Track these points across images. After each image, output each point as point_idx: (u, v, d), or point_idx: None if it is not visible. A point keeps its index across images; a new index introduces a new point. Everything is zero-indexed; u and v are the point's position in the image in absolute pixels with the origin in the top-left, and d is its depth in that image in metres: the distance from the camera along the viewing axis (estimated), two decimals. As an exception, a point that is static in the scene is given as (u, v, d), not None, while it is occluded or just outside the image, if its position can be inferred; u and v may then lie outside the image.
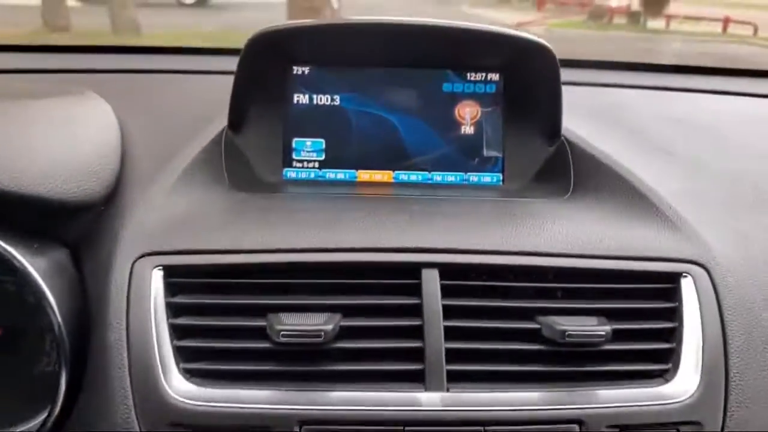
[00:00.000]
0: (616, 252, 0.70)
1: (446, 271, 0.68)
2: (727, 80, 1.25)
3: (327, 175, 0.94)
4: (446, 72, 0.95)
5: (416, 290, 0.67)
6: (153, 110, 0.94)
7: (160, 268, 0.67)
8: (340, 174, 0.94)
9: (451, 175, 0.95)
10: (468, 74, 0.96)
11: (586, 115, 1.01)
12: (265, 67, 0.91)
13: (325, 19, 0.94)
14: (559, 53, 0.87)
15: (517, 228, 0.72)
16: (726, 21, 8.38)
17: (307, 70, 0.95)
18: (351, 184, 0.94)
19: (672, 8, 8.91)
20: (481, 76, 0.96)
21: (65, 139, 0.74)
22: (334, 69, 0.95)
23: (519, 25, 8.41)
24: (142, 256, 0.67)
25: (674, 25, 8.74)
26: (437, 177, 0.95)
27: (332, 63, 0.95)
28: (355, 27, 0.87)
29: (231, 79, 0.87)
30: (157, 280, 0.66)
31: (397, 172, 0.95)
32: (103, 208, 0.74)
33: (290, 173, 0.94)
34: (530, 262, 0.69)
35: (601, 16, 9.00)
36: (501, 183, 0.95)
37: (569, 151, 0.90)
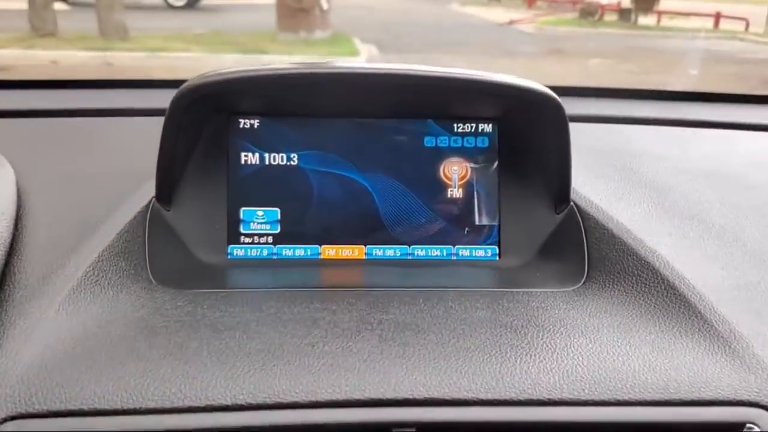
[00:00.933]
0: (658, 394, 0.52)
1: (424, 430, 0.49)
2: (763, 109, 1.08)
3: (283, 252, 0.76)
4: (428, 123, 0.77)
5: None
6: (66, 176, 0.76)
7: None
8: (300, 250, 0.76)
9: (436, 249, 0.77)
10: (455, 125, 0.78)
11: (593, 167, 0.84)
12: (203, 121, 0.73)
13: (275, 66, 0.76)
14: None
15: (523, 357, 0.55)
16: (717, 17, 8.25)
17: (256, 122, 0.76)
18: (314, 263, 0.76)
19: (663, 4, 8.79)
20: (471, 128, 0.78)
21: None
22: (290, 121, 0.77)
23: (510, 23, 8.26)
24: (5, 420, 0.48)
25: (665, 22, 8.62)
26: (419, 251, 0.77)
27: (288, 113, 0.76)
28: (315, 77, 0.69)
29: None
30: None
31: (369, 246, 0.77)
32: None
33: (237, 251, 0.76)
34: (544, 417, 0.51)
35: (592, 13, 8.84)
36: (497, 258, 0.77)
37: (581, 222, 0.73)
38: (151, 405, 0.49)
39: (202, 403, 0.49)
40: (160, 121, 0.68)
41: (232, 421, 0.49)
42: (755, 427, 0.52)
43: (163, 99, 0.69)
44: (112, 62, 5.05)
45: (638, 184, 0.81)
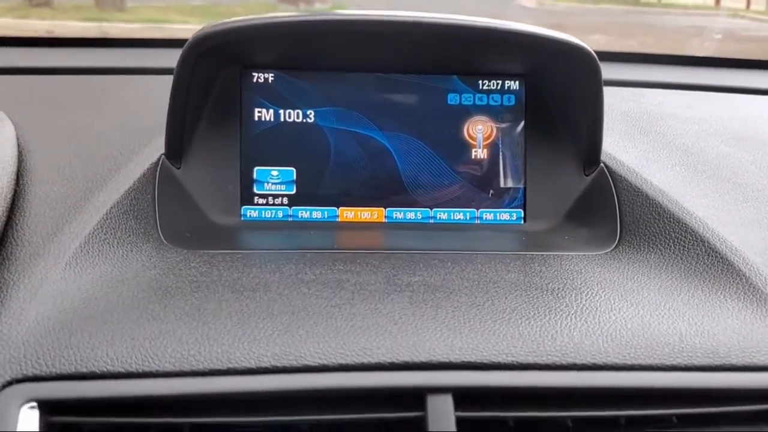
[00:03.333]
0: (704, 359, 0.49)
1: (462, 396, 0.46)
2: None
3: (299, 215, 0.73)
4: (452, 79, 0.74)
5: (419, 426, 0.46)
6: (70, 134, 0.71)
7: (34, 405, 0.44)
8: (317, 213, 0.73)
9: (459, 213, 0.74)
10: (480, 82, 0.74)
11: (626, 130, 0.81)
12: (214, 74, 0.69)
13: (292, 14, 0.71)
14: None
15: (561, 320, 0.51)
16: (719, -7, 8.18)
17: (271, 77, 0.72)
18: (330, 226, 0.72)
19: (665, -20, 8.69)
20: (497, 85, 0.74)
21: None
22: (307, 75, 0.72)
23: (509, -2, 8.15)
24: (8, 384, 0.45)
25: (667, -2, 8.54)
26: (441, 215, 0.74)
27: (304, 67, 0.72)
28: (332, 24, 0.65)
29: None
30: (29, 422, 0.44)
31: (389, 209, 0.73)
32: None
33: (251, 212, 0.72)
34: (586, 382, 0.48)
35: (593, -12, 8.71)
36: (522, 222, 0.74)
37: (612, 184, 0.69)
38: (169, 368, 0.45)
39: (224, 365, 0.46)
40: (169, 79, 0.65)
41: (257, 385, 0.46)
42: None
43: (173, 58, 0.65)
44: (108, 33, 4.98)
45: (669, 146, 0.78)
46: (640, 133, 0.81)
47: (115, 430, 0.45)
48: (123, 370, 0.45)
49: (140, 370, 0.45)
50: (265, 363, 0.46)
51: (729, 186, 0.71)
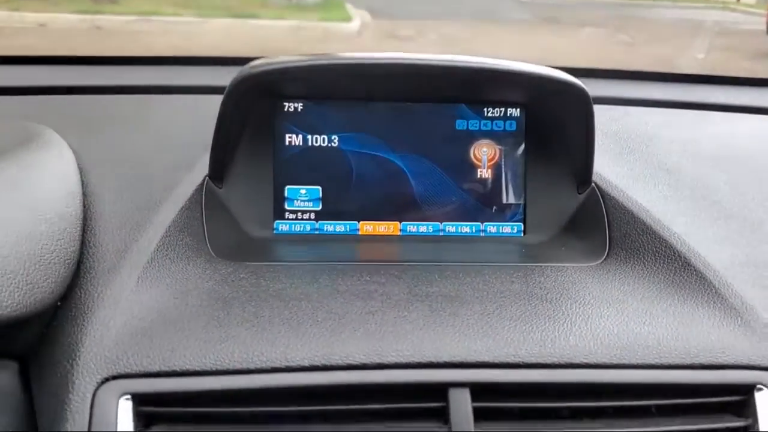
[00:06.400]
0: (678, 359, 0.59)
1: (478, 390, 0.56)
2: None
3: (325, 228, 0.82)
4: (460, 107, 0.83)
5: (443, 414, 0.56)
6: (121, 154, 0.80)
7: (128, 397, 0.54)
8: (340, 226, 0.82)
9: (466, 226, 0.83)
10: (485, 109, 0.83)
11: (615, 151, 0.90)
12: (251, 105, 0.78)
13: (323, 55, 0.80)
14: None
15: (559, 326, 0.61)
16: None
17: (300, 106, 0.81)
18: (352, 239, 0.82)
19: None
20: (501, 112, 0.83)
21: (13, 221, 0.60)
22: (332, 105, 0.81)
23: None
24: (107, 380, 0.54)
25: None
26: (450, 228, 0.83)
27: (329, 97, 0.81)
28: (358, 67, 0.74)
29: (210, 99, 0.73)
30: (125, 413, 0.54)
31: (404, 222, 0.83)
32: (59, 304, 0.61)
33: (282, 226, 0.81)
34: (581, 378, 0.58)
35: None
36: (522, 235, 0.83)
37: (602, 202, 0.79)
38: (237, 366, 0.55)
39: (282, 364, 0.55)
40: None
41: (310, 380, 0.55)
42: (765, 387, 0.59)
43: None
44: (101, 26, 4.99)
45: (652, 166, 0.87)
46: (628, 153, 0.89)
47: (194, 418, 0.55)
48: (199, 369, 0.55)
49: (213, 369, 0.55)
50: (317, 362, 0.56)
51: (705, 204, 0.81)
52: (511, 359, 0.57)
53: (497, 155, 0.83)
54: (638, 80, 1.21)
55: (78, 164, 0.77)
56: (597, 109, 0.77)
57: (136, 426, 0.54)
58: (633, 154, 0.89)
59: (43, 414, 0.57)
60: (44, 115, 0.85)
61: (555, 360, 0.58)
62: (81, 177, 0.75)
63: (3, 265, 0.55)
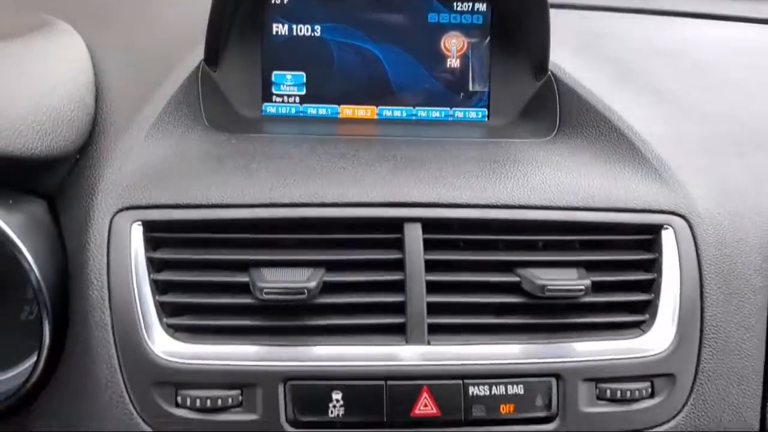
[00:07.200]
0: (599, 204, 0.70)
1: (428, 225, 0.67)
2: (730, 2, 1.20)
3: (308, 111, 0.92)
4: (432, 1, 0.91)
5: (399, 244, 0.67)
6: (127, 41, 0.89)
7: (140, 223, 0.66)
8: (322, 109, 0.92)
9: (436, 111, 0.93)
10: (455, 4, 0.91)
11: (572, 47, 0.98)
12: None
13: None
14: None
15: (500, 179, 0.72)
16: None
17: (286, -2, 0.90)
18: (333, 120, 0.91)
19: None
20: (468, 6, 0.92)
21: (36, 84, 0.70)
22: None
23: None
24: (121, 210, 0.66)
25: None
26: (422, 113, 0.93)
27: None
28: None
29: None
30: (137, 236, 0.65)
31: (380, 107, 0.92)
32: (79, 157, 0.72)
33: (270, 108, 0.91)
34: (513, 216, 0.69)
35: None
36: (486, 119, 0.93)
37: (556, 88, 0.88)
38: (231, 202, 0.66)
39: (268, 201, 0.67)
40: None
41: (291, 214, 0.67)
42: (670, 227, 0.71)
43: None
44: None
45: (606, 60, 0.95)
46: (582, 48, 0.97)
47: (192, 243, 0.67)
48: (200, 203, 0.66)
49: (212, 203, 0.66)
50: (296, 200, 0.67)
51: (647, 90, 0.90)
52: (456, 201, 0.68)
53: (465, 46, 0.92)
54: None
55: (88, 48, 0.86)
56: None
57: (146, 249, 0.65)
58: (587, 49, 0.97)
59: (72, 239, 0.69)
60: (57, 8, 0.94)
61: (493, 201, 0.69)
62: (92, 60, 0.84)
63: (34, 114, 0.65)
